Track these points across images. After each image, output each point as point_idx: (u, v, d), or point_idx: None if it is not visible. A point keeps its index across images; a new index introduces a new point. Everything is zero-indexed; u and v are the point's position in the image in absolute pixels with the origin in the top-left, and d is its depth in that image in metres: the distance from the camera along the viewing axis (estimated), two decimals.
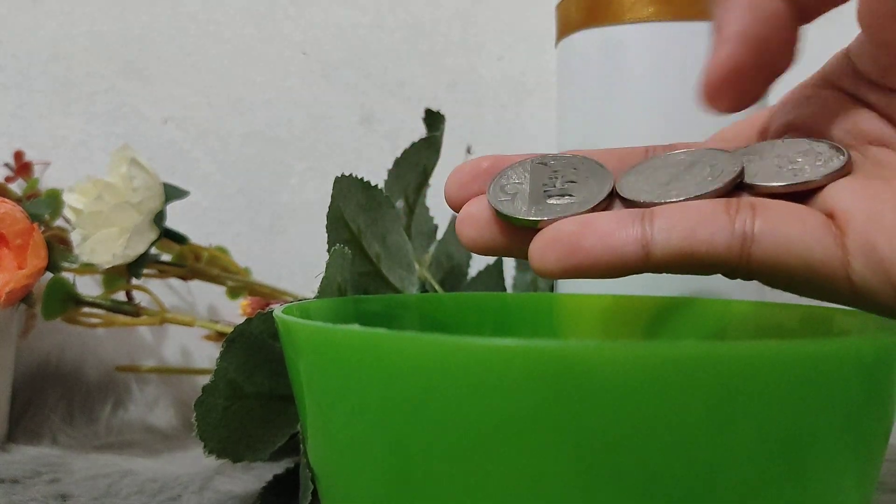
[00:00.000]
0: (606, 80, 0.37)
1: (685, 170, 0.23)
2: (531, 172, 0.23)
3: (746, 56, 0.21)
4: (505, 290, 0.46)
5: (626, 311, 0.29)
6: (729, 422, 0.15)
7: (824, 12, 0.21)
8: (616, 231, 0.20)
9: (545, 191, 0.23)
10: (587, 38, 0.37)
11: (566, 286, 0.38)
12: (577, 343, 0.15)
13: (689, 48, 0.35)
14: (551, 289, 0.44)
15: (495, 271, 0.45)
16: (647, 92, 0.36)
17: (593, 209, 0.22)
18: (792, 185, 0.21)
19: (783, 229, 0.19)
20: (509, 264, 0.48)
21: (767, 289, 0.36)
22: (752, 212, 0.20)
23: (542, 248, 0.20)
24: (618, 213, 0.21)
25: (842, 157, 0.21)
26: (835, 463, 0.17)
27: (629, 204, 0.22)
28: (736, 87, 0.21)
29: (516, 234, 0.22)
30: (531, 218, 0.22)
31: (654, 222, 0.20)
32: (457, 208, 0.24)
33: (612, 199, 0.22)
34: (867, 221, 0.19)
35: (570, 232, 0.20)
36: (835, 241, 0.19)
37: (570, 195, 0.22)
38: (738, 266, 0.19)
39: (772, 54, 0.21)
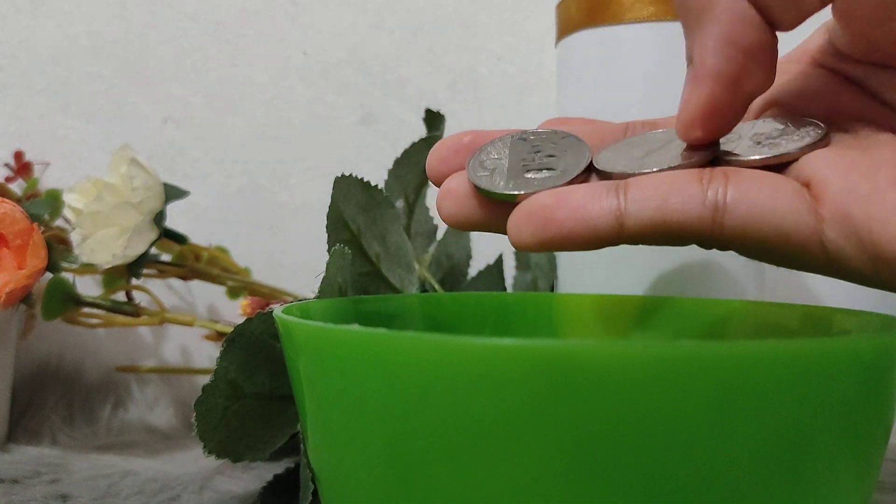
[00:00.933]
0: (606, 80, 0.37)
1: (662, 145, 0.23)
2: (510, 147, 0.24)
3: (722, 94, 0.20)
4: (505, 290, 0.46)
5: (626, 310, 0.29)
6: (728, 422, 0.15)
7: (804, 20, 0.21)
8: (589, 203, 0.20)
9: (524, 165, 0.23)
10: (587, 38, 0.37)
11: (566, 286, 0.38)
12: (577, 343, 0.15)
13: None
14: (551, 289, 0.44)
15: (495, 271, 0.45)
16: (647, 92, 0.36)
17: (570, 182, 0.22)
18: (768, 158, 0.21)
19: (755, 197, 0.19)
20: (509, 264, 0.48)
21: (767, 289, 0.36)
22: (724, 180, 0.20)
23: (518, 222, 0.21)
24: (592, 185, 0.21)
25: (819, 131, 0.21)
26: (834, 462, 0.17)
27: (605, 176, 0.22)
28: (713, 122, 0.21)
29: (495, 209, 0.22)
30: (508, 192, 0.22)
31: (627, 193, 0.20)
32: (438, 183, 0.24)
33: (589, 172, 0.23)
34: (842, 190, 0.19)
35: (544, 205, 0.20)
36: (808, 209, 0.19)
37: (549, 169, 0.22)
38: (711, 235, 0.19)
39: (750, 87, 0.21)
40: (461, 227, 0.23)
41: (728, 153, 0.22)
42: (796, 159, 0.21)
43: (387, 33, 0.54)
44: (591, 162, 0.23)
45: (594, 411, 0.15)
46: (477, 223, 0.23)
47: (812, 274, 0.21)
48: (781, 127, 0.22)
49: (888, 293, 0.21)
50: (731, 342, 0.15)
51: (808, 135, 0.21)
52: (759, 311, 0.27)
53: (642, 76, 0.36)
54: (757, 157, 0.21)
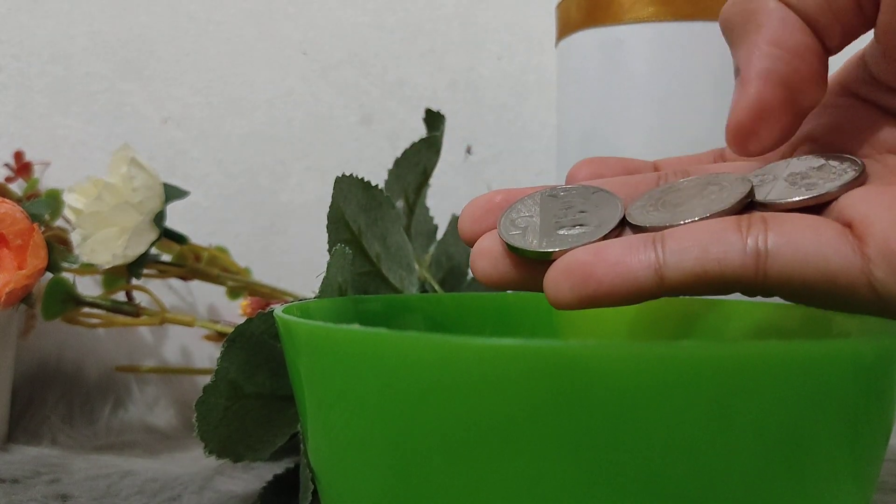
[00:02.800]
0: (606, 80, 0.37)
1: (695, 193, 0.22)
2: (541, 205, 0.23)
3: (772, 94, 0.20)
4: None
5: (626, 311, 0.29)
6: (729, 422, 0.15)
7: (849, 43, 0.21)
8: (628, 258, 0.20)
9: (556, 222, 0.22)
10: (587, 38, 0.37)
11: None
12: (577, 343, 0.15)
13: (689, 48, 0.35)
14: None
15: None
16: (647, 92, 0.36)
17: (604, 238, 0.21)
18: (806, 199, 0.20)
19: (798, 242, 0.19)
20: None
21: None
22: (764, 226, 0.19)
23: (555, 280, 0.20)
24: (629, 239, 0.20)
25: (856, 168, 0.21)
26: (834, 463, 0.17)
27: (639, 230, 0.22)
28: (765, 128, 0.21)
29: (530, 268, 0.22)
30: (543, 250, 0.21)
31: (665, 245, 0.20)
32: (471, 243, 0.23)
33: (623, 227, 0.22)
34: (887, 228, 0.18)
35: (582, 262, 0.20)
36: (853, 250, 0.18)
37: (582, 225, 0.22)
38: (754, 283, 0.19)
39: (800, 91, 0.20)
40: (496, 287, 0.23)
41: (765, 197, 0.21)
42: (835, 198, 0.20)
43: (387, 33, 0.54)
44: (624, 216, 0.22)
45: (594, 411, 0.15)
46: (512, 282, 0.22)
47: None
48: (817, 165, 0.22)
49: None
50: (731, 342, 0.15)
51: (846, 172, 0.21)
52: (759, 311, 0.27)
53: (642, 76, 0.36)
54: (795, 199, 0.20)
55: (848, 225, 0.19)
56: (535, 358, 0.15)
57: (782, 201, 0.21)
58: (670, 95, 0.35)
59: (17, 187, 0.48)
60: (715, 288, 0.19)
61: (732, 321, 0.28)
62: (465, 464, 0.16)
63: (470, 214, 0.24)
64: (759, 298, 0.32)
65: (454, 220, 0.45)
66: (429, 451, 0.17)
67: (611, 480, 0.16)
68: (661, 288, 0.19)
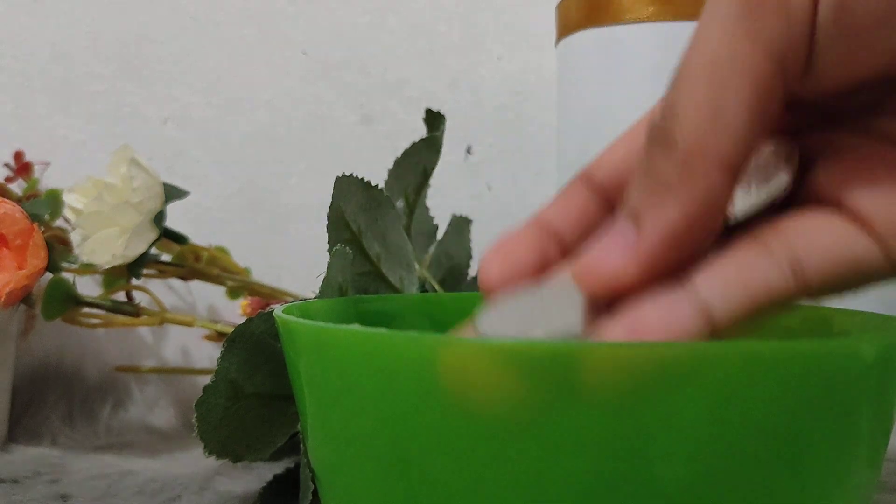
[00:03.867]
0: (606, 80, 0.37)
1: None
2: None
3: (665, 261, 0.18)
4: None
5: None
6: (729, 422, 0.15)
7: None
8: (670, 318, 0.17)
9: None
10: (587, 38, 0.37)
11: None
12: (577, 343, 0.15)
13: None
14: None
15: None
16: (647, 92, 0.36)
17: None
18: (762, 204, 0.20)
19: (819, 240, 0.19)
20: None
21: None
22: (783, 238, 0.19)
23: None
24: (658, 297, 0.18)
25: (789, 163, 0.20)
26: (835, 463, 0.17)
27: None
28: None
29: None
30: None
31: (698, 289, 0.18)
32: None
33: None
34: (889, 210, 0.18)
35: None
36: (866, 236, 0.19)
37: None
38: (797, 295, 0.18)
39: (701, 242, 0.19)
40: None
41: (736, 215, 0.20)
42: (790, 191, 0.20)
43: (387, 33, 0.54)
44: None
45: (594, 411, 0.15)
46: None
47: None
48: (756, 164, 0.20)
49: (888, 295, 0.20)
50: (731, 342, 0.15)
51: (779, 169, 0.20)
52: None
53: (642, 76, 0.36)
54: (755, 207, 0.20)
55: (837, 205, 0.19)
56: (536, 358, 0.15)
57: (747, 212, 0.20)
58: None
59: (17, 187, 0.48)
60: (764, 314, 0.18)
61: None
62: (464, 463, 0.16)
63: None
64: None
65: (454, 220, 0.45)
66: (428, 451, 0.17)
67: (610, 480, 0.16)
68: (715, 333, 0.18)
